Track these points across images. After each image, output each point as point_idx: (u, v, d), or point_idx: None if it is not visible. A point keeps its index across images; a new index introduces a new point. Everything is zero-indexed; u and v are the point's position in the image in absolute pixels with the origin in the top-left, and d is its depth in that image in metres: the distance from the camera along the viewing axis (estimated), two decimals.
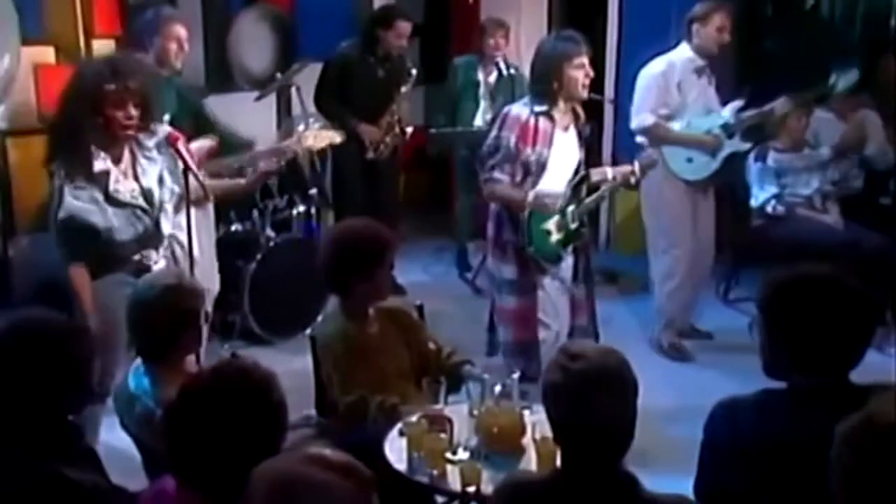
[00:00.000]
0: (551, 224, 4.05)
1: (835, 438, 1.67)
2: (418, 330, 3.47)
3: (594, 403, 2.03)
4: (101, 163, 3.39)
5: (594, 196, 4.20)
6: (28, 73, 4.91)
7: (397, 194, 6.27)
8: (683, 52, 4.99)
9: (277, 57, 6.41)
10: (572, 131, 4.09)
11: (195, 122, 4.44)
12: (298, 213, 5.58)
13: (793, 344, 2.15)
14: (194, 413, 1.98)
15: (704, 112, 5.01)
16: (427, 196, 7.56)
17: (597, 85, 5.72)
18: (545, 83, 3.97)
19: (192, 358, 2.87)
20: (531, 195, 3.98)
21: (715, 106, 5.03)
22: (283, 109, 6.35)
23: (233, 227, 5.26)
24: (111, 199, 3.40)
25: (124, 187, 3.44)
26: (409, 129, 5.90)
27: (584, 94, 4.01)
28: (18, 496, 2.18)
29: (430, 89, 6.68)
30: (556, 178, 4.06)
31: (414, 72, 5.74)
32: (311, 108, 5.64)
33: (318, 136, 4.40)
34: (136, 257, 3.48)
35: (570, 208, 4.11)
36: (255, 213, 5.30)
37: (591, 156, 4.41)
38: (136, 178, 3.47)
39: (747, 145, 5.10)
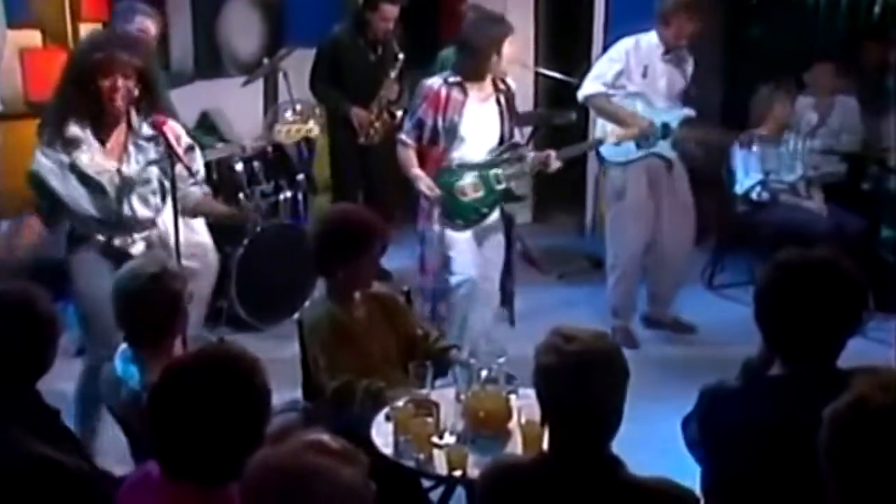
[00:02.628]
0: (466, 185, 4.26)
1: (823, 422, 1.68)
2: (405, 315, 3.48)
3: (588, 385, 2.03)
4: (76, 131, 3.41)
5: (518, 166, 4.37)
6: (14, 56, 4.88)
7: (391, 178, 6.25)
8: (652, 38, 4.90)
9: (266, 42, 6.40)
10: (492, 102, 4.29)
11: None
12: (285, 199, 5.57)
13: (786, 329, 2.16)
14: (176, 395, 1.98)
15: (668, 105, 4.92)
16: None
17: (583, 74, 5.71)
18: (474, 62, 4.21)
19: (178, 342, 2.89)
20: (434, 193, 4.24)
21: (677, 100, 4.95)
22: (270, 95, 6.33)
23: None
24: (75, 168, 3.42)
25: (97, 164, 3.44)
26: (399, 114, 5.89)
27: (507, 69, 4.28)
28: None
29: (417, 74, 6.65)
30: (474, 146, 4.29)
31: (401, 56, 5.74)
32: (298, 95, 5.63)
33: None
34: (102, 238, 3.51)
35: (493, 171, 4.31)
36: (242, 198, 5.28)
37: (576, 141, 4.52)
38: (119, 161, 3.48)
39: (673, 154, 4.95)
